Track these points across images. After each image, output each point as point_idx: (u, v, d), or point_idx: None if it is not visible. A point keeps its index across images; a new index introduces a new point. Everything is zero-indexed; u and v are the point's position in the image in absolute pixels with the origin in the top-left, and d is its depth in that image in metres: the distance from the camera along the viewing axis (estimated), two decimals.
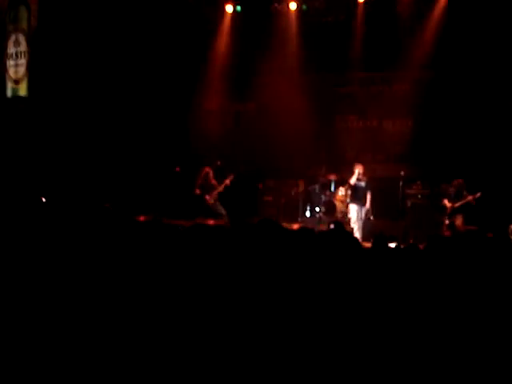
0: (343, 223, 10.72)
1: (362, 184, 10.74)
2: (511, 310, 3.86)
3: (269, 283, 3.92)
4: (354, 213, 10.75)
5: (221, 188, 11.17)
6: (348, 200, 11.36)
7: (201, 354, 3.11)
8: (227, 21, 13.03)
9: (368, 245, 9.52)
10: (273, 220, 4.86)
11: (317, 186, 12.17)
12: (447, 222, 10.22)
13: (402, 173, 10.49)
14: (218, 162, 11.39)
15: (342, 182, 11.92)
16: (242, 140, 12.85)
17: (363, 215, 10.63)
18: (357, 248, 7.27)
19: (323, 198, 12.04)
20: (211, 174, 11.24)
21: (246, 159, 12.47)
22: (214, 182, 11.17)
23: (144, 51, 12.73)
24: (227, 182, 11.14)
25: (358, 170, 10.73)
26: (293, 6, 12.55)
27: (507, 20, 10.96)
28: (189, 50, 13.06)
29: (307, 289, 4.07)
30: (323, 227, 10.93)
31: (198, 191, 11.22)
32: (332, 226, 7.28)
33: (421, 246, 8.84)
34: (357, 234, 10.16)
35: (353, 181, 10.73)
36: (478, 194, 9.95)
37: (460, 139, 11.33)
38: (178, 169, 11.81)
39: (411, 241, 10.48)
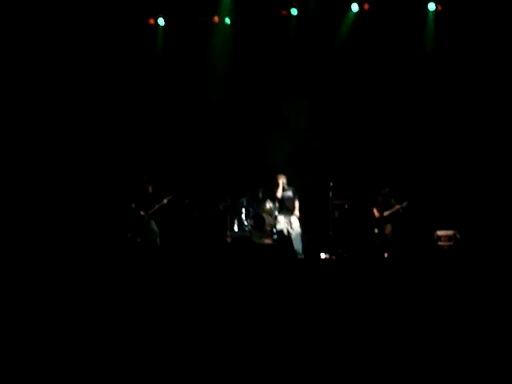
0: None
1: (289, 194, 10.80)
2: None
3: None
4: (283, 224, 10.74)
5: (157, 207, 10.97)
6: (276, 212, 11.40)
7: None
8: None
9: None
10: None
11: (244, 200, 12.17)
12: (376, 231, 10.49)
13: (331, 184, 10.62)
14: (144, 177, 11.21)
15: (269, 194, 11.96)
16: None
17: (295, 225, 10.60)
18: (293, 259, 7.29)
19: (251, 211, 12.03)
20: (150, 190, 11.06)
21: (171, 173, 12.30)
22: (151, 198, 11.01)
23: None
24: (165, 201, 10.96)
25: (282, 180, 10.79)
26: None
27: None
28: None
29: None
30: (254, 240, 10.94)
31: (133, 205, 11.00)
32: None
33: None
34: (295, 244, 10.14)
35: (279, 193, 10.75)
36: (405, 203, 10.29)
37: (382, 149, 11.72)
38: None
39: (340, 251, 10.70)
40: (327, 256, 10.05)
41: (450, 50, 11.48)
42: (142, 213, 10.90)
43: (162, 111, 12.82)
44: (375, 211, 10.60)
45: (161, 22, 12.68)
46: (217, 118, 12.49)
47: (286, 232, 10.57)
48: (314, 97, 12.37)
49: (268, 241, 10.89)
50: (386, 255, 9.56)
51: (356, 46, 12.03)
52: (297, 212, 10.67)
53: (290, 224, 10.62)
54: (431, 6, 11.57)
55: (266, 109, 12.86)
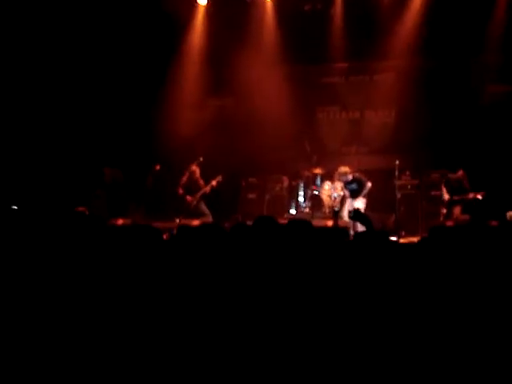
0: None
1: (353, 186, 10.38)
2: None
3: (267, 282, 3.81)
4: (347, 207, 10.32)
5: (206, 189, 10.65)
6: (337, 194, 11.01)
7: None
8: (200, 13, 12.49)
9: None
10: (270, 217, 4.61)
11: (301, 181, 11.80)
12: (444, 211, 9.93)
13: (397, 162, 10.04)
14: (201, 159, 10.87)
15: (328, 175, 11.60)
16: (221, 136, 12.30)
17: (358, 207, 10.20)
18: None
19: (309, 193, 11.67)
20: (198, 172, 10.73)
21: (226, 155, 11.93)
22: (200, 182, 10.68)
23: (111, 47, 12.07)
24: (214, 183, 10.62)
25: (344, 177, 10.44)
26: None
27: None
28: (158, 45, 12.43)
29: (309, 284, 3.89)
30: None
31: (180, 191, 10.70)
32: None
33: (415, 238, 8.47)
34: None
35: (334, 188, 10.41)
36: (481, 194, 9.62)
37: (445, 128, 11.16)
38: (157, 167, 11.15)
39: (403, 233, 10.23)
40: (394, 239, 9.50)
41: None
42: (188, 198, 10.61)
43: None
44: (444, 192, 10.03)
45: None
46: (270, 97, 12.05)
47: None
48: None
49: (329, 223, 10.48)
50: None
51: None
52: (362, 198, 10.28)
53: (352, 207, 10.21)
54: None
55: (324, 87, 12.51)
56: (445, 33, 11.28)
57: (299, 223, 5.39)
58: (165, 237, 5.34)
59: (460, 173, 9.91)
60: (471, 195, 9.66)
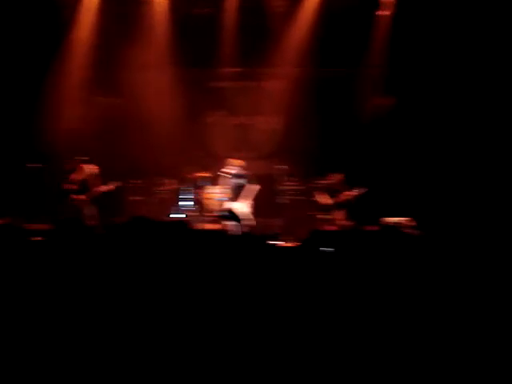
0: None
1: (241, 181, 10.30)
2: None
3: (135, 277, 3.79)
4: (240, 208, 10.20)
5: (96, 193, 10.22)
6: (224, 198, 10.90)
7: None
8: (91, 6, 12.02)
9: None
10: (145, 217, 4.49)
11: (188, 185, 11.64)
12: (327, 217, 10.11)
13: (282, 166, 10.12)
14: (86, 158, 10.41)
15: (214, 180, 11.51)
16: (107, 135, 11.87)
17: (244, 212, 10.12)
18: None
19: (195, 196, 11.52)
20: (89, 173, 10.26)
21: (112, 156, 11.52)
22: (92, 183, 10.22)
23: None
24: (105, 188, 10.22)
25: (233, 169, 10.26)
26: None
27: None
28: (43, 36, 11.85)
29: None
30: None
31: (67, 186, 10.18)
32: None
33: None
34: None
35: (224, 180, 10.25)
36: (360, 191, 9.91)
37: (332, 134, 11.45)
38: (36, 165, 10.58)
39: (290, 237, 10.29)
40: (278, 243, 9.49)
41: None
42: (74, 196, 10.13)
43: None
44: (325, 198, 10.21)
45: None
46: (159, 99, 11.83)
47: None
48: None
49: (209, 226, 10.39)
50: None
51: None
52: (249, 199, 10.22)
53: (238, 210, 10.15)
54: None
55: (214, 92, 12.45)
56: (333, 44, 11.59)
57: (176, 224, 5.26)
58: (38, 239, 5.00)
59: (338, 177, 10.18)
60: (351, 193, 9.94)
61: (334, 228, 9.45)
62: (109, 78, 11.84)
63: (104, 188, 10.22)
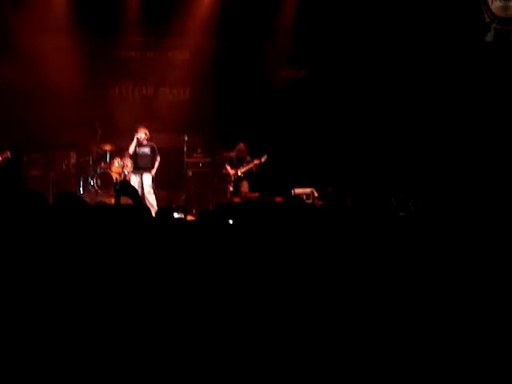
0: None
1: (146, 150, 10.00)
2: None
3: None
4: (133, 183, 9.94)
5: None
6: (127, 171, 10.56)
7: None
8: None
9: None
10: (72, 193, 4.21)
11: (90, 158, 11.18)
12: (231, 189, 9.95)
13: (186, 138, 9.85)
14: None
15: (118, 152, 11.14)
16: (4, 106, 11.20)
17: (146, 183, 9.84)
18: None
19: (98, 170, 11.09)
20: None
21: (5, 128, 10.90)
22: None
23: None
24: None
25: (140, 135, 9.96)
26: None
27: None
28: None
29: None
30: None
31: None
32: None
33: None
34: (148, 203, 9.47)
35: (131, 149, 9.97)
36: (264, 158, 9.79)
37: (238, 105, 11.28)
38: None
39: (194, 210, 10.11)
40: (181, 216, 9.29)
41: None
42: None
43: None
44: (229, 169, 10.07)
45: None
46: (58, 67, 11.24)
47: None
48: None
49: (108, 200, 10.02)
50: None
51: None
52: (153, 171, 9.93)
53: (141, 183, 9.87)
54: None
55: (118, 62, 11.98)
56: (239, 14, 11.36)
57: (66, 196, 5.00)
58: None
59: (241, 146, 10.04)
60: (254, 162, 9.82)
61: (237, 200, 9.32)
62: (4, 44, 11.14)
63: None
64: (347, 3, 11.34)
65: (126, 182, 6.02)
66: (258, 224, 5.40)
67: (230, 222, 6.08)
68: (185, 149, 9.93)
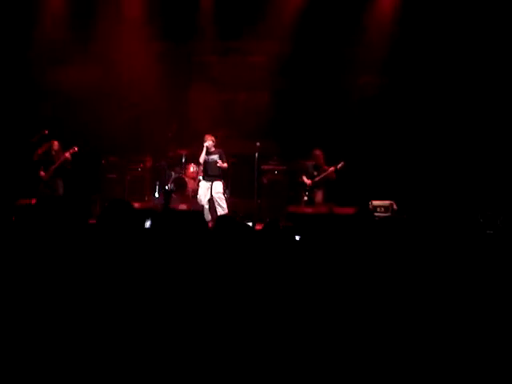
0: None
1: (215, 157, 9.76)
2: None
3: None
4: (203, 190, 9.76)
5: (59, 162, 9.69)
6: (199, 177, 10.41)
7: None
8: None
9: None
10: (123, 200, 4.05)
11: (165, 163, 11.12)
12: (305, 198, 9.56)
13: (258, 144, 9.49)
14: (46, 132, 9.85)
15: (194, 157, 11.03)
16: (81, 110, 11.34)
17: (216, 190, 9.60)
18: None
19: (173, 174, 11.02)
20: (56, 146, 9.75)
21: (86, 130, 11.00)
22: (58, 155, 9.70)
23: None
24: (67, 155, 9.66)
25: (207, 143, 9.72)
26: None
27: None
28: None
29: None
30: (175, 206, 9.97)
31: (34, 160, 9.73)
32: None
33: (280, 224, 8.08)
34: (206, 214, 9.26)
35: (201, 159, 9.71)
36: (341, 164, 9.33)
37: (316, 114, 10.90)
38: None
39: (267, 219, 9.79)
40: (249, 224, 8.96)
41: None
42: (41, 173, 9.65)
43: None
44: (304, 178, 9.67)
45: None
46: (138, 73, 11.32)
47: (204, 198, 9.56)
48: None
49: (183, 206, 9.87)
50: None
51: None
52: (224, 164, 9.67)
53: (211, 189, 9.63)
54: None
55: (197, 67, 11.89)
56: (320, 21, 11.01)
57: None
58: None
59: (317, 152, 9.63)
60: (330, 169, 9.38)
61: (309, 210, 8.93)
62: (86, 50, 11.29)
63: (59, 161, 9.69)
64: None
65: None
66: (322, 238, 5.07)
67: (297, 238, 5.73)
68: (256, 155, 9.53)
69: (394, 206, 9.24)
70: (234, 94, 11.87)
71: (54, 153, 9.76)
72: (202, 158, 9.70)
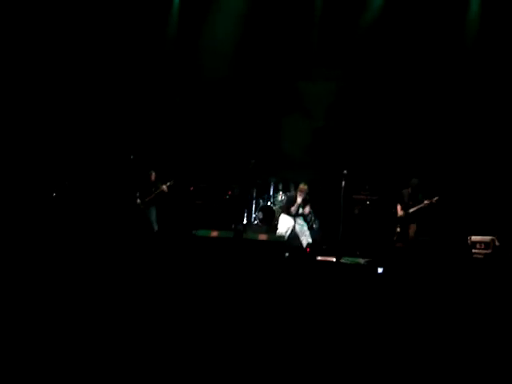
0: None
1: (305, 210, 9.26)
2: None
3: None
4: (288, 221, 9.25)
5: (155, 194, 9.68)
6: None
7: None
8: None
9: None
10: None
11: (254, 190, 10.88)
12: (398, 230, 8.94)
13: (345, 172, 8.91)
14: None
15: (282, 185, 10.80)
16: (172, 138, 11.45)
17: (299, 223, 9.11)
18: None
19: (261, 203, 10.76)
20: (153, 177, 9.80)
21: (176, 160, 11.08)
22: (155, 184, 9.75)
23: None
24: (164, 188, 9.62)
25: (302, 197, 9.13)
26: None
27: None
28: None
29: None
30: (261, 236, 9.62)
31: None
32: None
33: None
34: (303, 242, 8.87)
35: (294, 210, 9.18)
36: (436, 199, 8.65)
37: (413, 138, 10.40)
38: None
39: (358, 253, 9.28)
40: (333, 259, 8.35)
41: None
42: (138, 201, 9.67)
43: (168, 94, 11.66)
44: (399, 209, 9.03)
45: None
46: (224, 100, 11.29)
47: (288, 230, 9.09)
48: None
49: (263, 237, 9.49)
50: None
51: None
52: (306, 209, 9.16)
53: (293, 223, 9.13)
54: None
55: (279, 90, 11.64)
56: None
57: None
58: None
59: (414, 181, 8.97)
60: (425, 202, 8.68)
61: (400, 245, 8.34)
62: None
63: (157, 191, 9.65)
64: None
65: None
66: (405, 275, 5.06)
67: (380, 270, 5.51)
68: (343, 183, 8.91)
69: (496, 242, 8.45)
70: (324, 121, 11.47)
71: (151, 182, 9.77)
72: (294, 210, 9.14)
